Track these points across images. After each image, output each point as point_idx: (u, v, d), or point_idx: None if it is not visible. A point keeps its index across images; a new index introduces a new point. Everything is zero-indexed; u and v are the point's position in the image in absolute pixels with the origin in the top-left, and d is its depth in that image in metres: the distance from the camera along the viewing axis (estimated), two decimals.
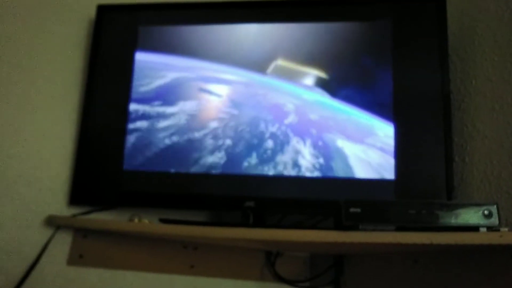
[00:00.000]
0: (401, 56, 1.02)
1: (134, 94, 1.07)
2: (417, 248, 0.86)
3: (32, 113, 1.07)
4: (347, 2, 1.08)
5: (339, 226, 0.79)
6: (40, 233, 1.03)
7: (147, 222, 0.99)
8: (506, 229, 0.74)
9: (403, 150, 0.97)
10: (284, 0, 1.12)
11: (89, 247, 1.07)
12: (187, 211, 1.10)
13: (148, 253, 1.12)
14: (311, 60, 1.01)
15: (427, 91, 0.99)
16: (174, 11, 1.13)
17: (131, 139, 1.06)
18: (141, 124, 1.05)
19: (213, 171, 0.99)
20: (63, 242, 1.05)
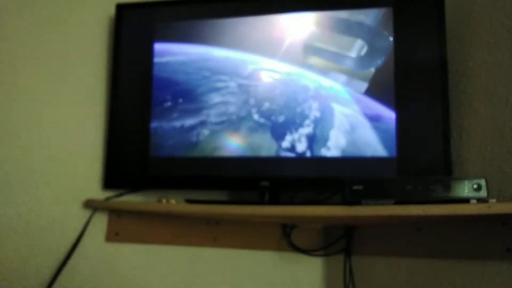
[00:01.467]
0: (402, 39, 1.07)
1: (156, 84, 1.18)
2: (415, 219, 0.95)
3: (65, 107, 1.17)
4: None
5: (345, 201, 0.89)
6: (80, 215, 1.15)
7: (174, 202, 1.09)
8: (494, 200, 0.83)
9: (404, 129, 1.04)
10: None
11: (124, 225, 1.19)
12: (209, 191, 1.20)
13: (176, 229, 1.22)
14: (320, 49, 1.12)
15: (427, 71, 1.05)
16: (188, 7, 1.20)
17: (156, 127, 1.17)
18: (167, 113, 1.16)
19: (235, 153, 1.10)
20: (101, 222, 1.17)
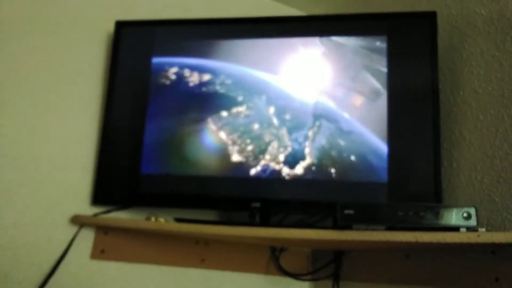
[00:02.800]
0: (395, 66, 1.09)
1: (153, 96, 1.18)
2: (405, 245, 0.95)
3: (58, 121, 1.17)
4: (347, 18, 1.16)
5: (336, 225, 0.88)
6: (66, 231, 1.12)
7: (162, 221, 1.08)
8: (483, 229, 0.83)
9: (396, 155, 1.05)
10: (286, 16, 1.21)
11: (110, 243, 1.16)
12: (199, 211, 1.19)
13: (163, 248, 1.21)
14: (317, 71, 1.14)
15: (419, 99, 1.06)
16: (187, 27, 1.22)
17: (148, 144, 1.16)
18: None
19: (225, 174, 1.10)
20: (87, 239, 1.14)
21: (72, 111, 1.19)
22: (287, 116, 1.13)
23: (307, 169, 1.09)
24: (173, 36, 1.21)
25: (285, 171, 1.10)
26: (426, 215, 0.84)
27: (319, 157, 1.09)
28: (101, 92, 1.23)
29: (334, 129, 1.10)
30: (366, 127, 1.08)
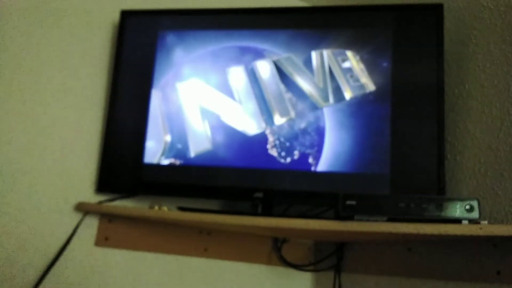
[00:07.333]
0: (400, 58, 1.08)
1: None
2: (407, 238, 0.95)
3: (63, 110, 1.17)
4: (352, 10, 1.16)
5: (338, 216, 0.89)
6: (71, 218, 1.13)
7: (166, 209, 1.09)
8: (485, 222, 0.83)
9: (399, 147, 1.04)
10: (290, 7, 1.20)
11: (114, 230, 1.17)
12: (202, 200, 1.19)
13: (166, 237, 1.21)
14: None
15: (423, 92, 1.05)
16: (193, 17, 1.21)
17: (151, 134, 1.17)
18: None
19: (228, 163, 1.10)
20: (91, 226, 1.16)
21: (77, 100, 1.19)
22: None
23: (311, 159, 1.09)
24: (180, 27, 1.21)
25: (288, 160, 1.10)
26: (428, 207, 0.84)
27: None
28: (106, 81, 1.24)
29: (336, 120, 1.09)
30: (368, 118, 1.08)
